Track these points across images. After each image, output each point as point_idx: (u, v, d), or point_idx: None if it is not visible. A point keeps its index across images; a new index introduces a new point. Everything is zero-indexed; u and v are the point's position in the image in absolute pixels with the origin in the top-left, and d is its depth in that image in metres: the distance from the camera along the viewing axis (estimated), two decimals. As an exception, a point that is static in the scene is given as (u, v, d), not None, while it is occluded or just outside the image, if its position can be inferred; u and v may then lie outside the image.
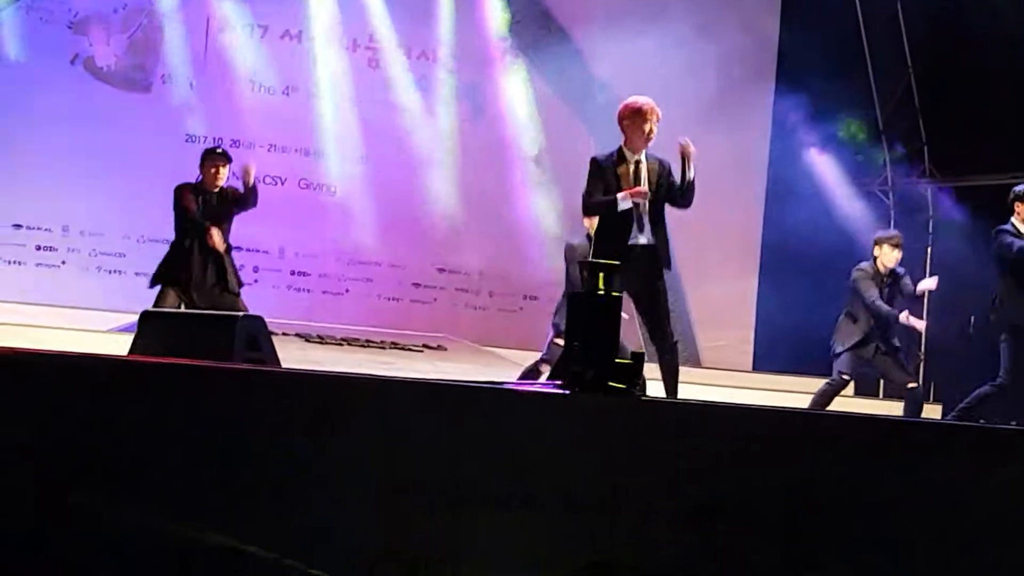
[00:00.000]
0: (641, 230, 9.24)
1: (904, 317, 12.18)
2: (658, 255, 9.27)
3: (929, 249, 17.48)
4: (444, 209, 16.56)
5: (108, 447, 5.19)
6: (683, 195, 9.27)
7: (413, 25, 16.88)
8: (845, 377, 12.40)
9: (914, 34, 17.61)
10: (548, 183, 16.73)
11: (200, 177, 11.91)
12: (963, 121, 16.30)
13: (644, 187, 9.15)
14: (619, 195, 9.11)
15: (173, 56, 16.11)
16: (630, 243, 9.20)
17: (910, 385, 12.39)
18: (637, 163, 9.28)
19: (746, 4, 17.88)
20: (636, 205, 9.18)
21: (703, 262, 17.36)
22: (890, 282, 12.28)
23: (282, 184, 16.34)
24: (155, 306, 11.12)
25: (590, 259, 9.66)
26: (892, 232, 13.05)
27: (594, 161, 9.39)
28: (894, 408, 14.17)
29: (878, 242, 12.43)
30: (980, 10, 16.29)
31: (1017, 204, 10.77)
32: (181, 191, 11.80)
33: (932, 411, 15.96)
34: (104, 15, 15.84)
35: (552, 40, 17.20)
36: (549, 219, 16.57)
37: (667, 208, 9.45)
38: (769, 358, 17.56)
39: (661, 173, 9.32)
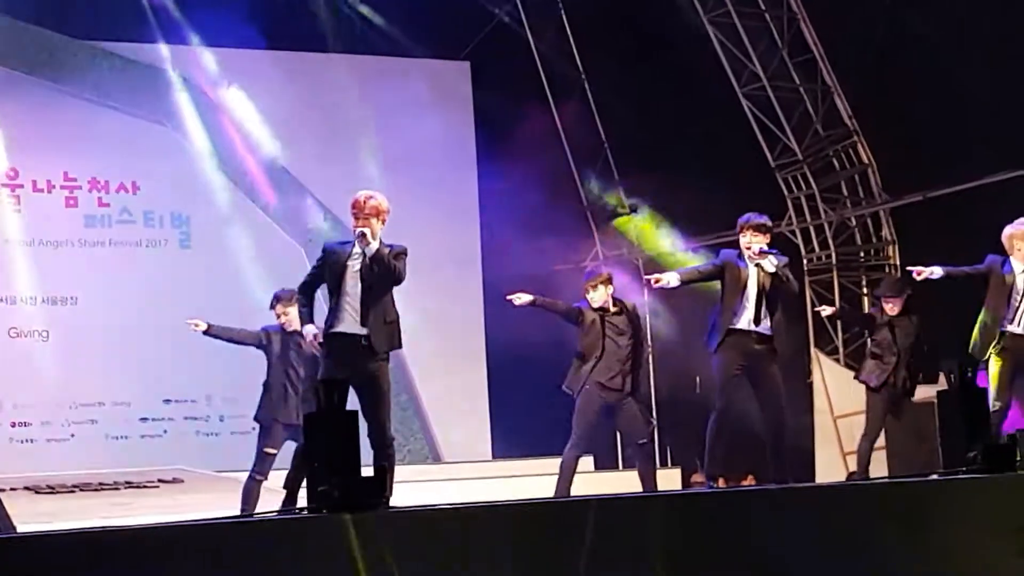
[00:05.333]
0: (356, 317, 9.12)
1: None
2: (376, 344, 9.11)
3: (648, 318, 17.80)
4: (162, 339, 16.25)
5: None
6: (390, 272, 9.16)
7: (110, 159, 16.63)
8: None
9: (609, 120, 18.05)
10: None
11: None
12: (662, 196, 16.64)
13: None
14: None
15: None
16: (341, 331, 9.11)
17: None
18: (363, 254, 9.18)
19: (438, 92, 18.08)
20: (353, 293, 9.08)
21: (432, 359, 17.42)
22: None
23: (-10, 336, 15.97)
24: None
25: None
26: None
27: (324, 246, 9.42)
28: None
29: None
30: (667, 93, 16.80)
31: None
32: None
33: (672, 475, 16.24)
34: None
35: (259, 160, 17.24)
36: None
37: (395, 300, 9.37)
38: (507, 445, 17.63)
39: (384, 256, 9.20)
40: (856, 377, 12.91)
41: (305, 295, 9.56)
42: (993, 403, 10.13)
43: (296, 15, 17.06)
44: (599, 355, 11.45)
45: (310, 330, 9.40)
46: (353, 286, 9.17)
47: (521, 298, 11.57)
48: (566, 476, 11.41)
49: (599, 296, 11.55)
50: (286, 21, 16.93)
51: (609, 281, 11.66)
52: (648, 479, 11.46)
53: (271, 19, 16.73)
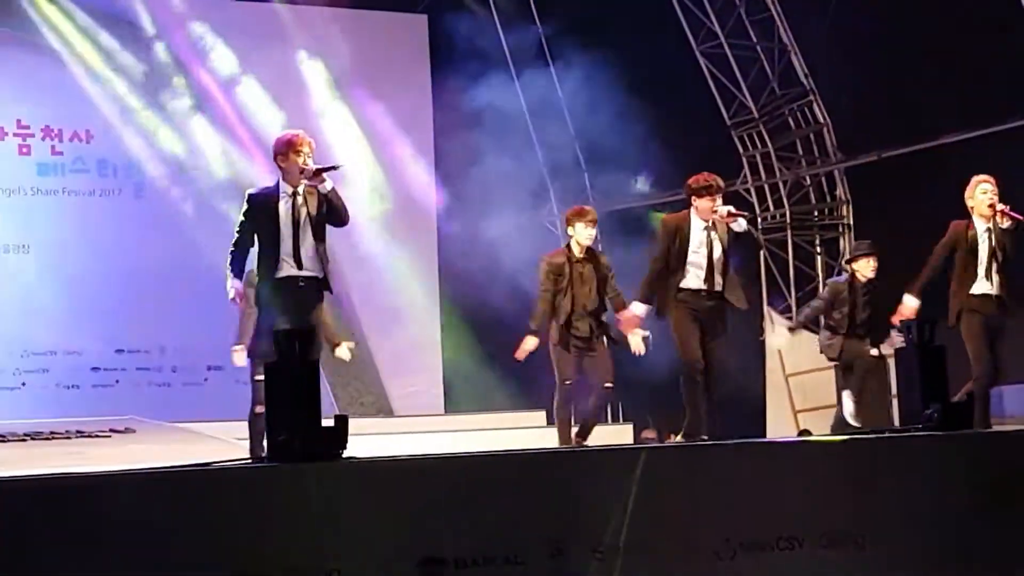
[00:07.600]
0: (298, 262, 8.97)
1: None
2: (320, 286, 9.04)
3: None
4: (114, 289, 16.18)
5: None
6: (332, 214, 9.00)
7: (59, 108, 16.50)
8: None
9: (566, 75, 17.97)
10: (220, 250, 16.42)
11: None
12: (618, 152, 16.60)
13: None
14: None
15: None
16: (286, 275, 8.97)
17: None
18: (294, 195, 9.00)
19: (396, 53, 18.04)
20: (292, 238, 8.90)
21: (386, 312, 17.38)
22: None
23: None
24: None
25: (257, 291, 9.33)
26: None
27: (248, 196, 9.13)
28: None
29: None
30: (624, 50, 16.79)
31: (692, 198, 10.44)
32: None
33: (623, 431, 16.25)
34: None
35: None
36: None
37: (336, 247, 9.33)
38: (459, 399, 17.62)
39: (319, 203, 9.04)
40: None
41: (242, 251, 9.19)
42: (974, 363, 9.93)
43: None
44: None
45: (235, 285, 9.13)
46: (295, 229, 8.94)
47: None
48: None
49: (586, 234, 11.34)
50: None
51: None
52: (589, 428, 11.28)
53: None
